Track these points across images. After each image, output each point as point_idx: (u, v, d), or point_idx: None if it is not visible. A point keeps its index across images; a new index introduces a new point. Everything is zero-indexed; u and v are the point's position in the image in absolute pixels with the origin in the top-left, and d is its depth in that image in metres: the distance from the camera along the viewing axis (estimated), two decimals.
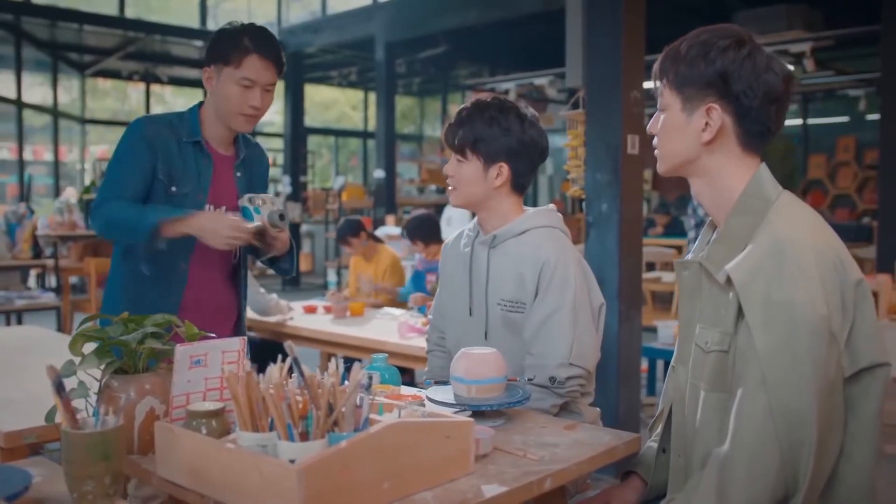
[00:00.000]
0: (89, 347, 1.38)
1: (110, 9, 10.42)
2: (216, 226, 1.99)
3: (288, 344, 1.20)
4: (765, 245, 1.25)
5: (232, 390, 1.21)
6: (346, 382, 1.23)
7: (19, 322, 5.91)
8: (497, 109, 1.88)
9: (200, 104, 2.19)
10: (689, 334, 1.39)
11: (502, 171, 1.87)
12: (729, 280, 1.26)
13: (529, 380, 1.80)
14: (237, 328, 2.31)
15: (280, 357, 1.23)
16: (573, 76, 3.79)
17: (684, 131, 1.36)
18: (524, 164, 1.89)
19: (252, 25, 2.10)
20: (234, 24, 2.11)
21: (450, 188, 1.92)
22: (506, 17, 9.30)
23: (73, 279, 7.48)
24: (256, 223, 2.07)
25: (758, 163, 1.36)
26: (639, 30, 3.59)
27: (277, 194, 10.99)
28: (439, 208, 12.22)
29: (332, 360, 1.22)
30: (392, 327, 3.76)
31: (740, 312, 1.24)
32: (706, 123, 1.33)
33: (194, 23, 11.35)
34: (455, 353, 1.69)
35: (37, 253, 6.37)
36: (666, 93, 1.37)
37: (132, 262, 2.15)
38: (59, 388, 1.17)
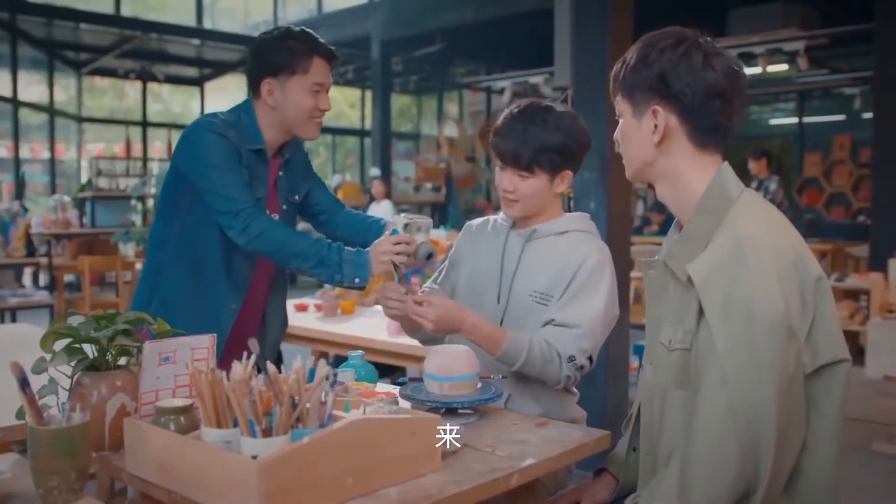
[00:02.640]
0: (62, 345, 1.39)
1: (106, 7, 10.42)
2: (375, 253, 1.89)
3: (251, 341, 1.21)
4: (724, 243, 1.26)
5: (196, 387, 1.22)
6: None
7: (13, 320, 5.92)
8: (545, 111, 1.79)
9: (247, 107, 2.07)
10: (656, 333, 1.40)
11: (566, 178, 1.86)
12: (690, 279, 1.27)
13: (555, 349, 1.75)
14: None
15: (246, 354, 1.24)
16: (561, 74, 3.80)
17: (637, 136, 1.38)
18: (579, 164, 1.87)
19: (290, 29, 2.04)
20: (273, 33, 2.04)
21: (510, 200, 1.85)
22: (501, 14, 9.31)
23: (67, 277, 7.49)
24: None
25: (719, 161, 1.37)
26: (626, 27, 3.60)
27: None
28: (435, 206, 12.23)
29: (298, 357, 1.23)
30: (382, 325, 3.76)
31: (701, 310, 1.25)
32: (654, 125, 1.35)
33: (191, 21, 11.34)
34: None
35: (31, 251, 6.38)
36: (619, 100, 1.41)
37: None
38: (23, 384, 1.18)
